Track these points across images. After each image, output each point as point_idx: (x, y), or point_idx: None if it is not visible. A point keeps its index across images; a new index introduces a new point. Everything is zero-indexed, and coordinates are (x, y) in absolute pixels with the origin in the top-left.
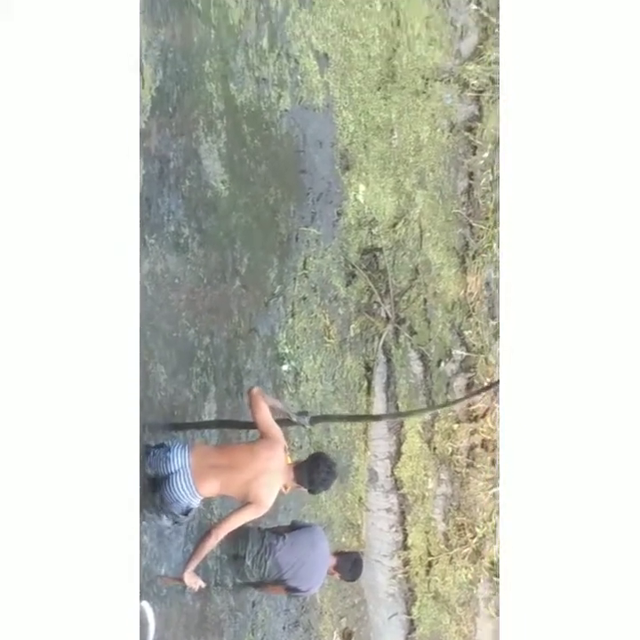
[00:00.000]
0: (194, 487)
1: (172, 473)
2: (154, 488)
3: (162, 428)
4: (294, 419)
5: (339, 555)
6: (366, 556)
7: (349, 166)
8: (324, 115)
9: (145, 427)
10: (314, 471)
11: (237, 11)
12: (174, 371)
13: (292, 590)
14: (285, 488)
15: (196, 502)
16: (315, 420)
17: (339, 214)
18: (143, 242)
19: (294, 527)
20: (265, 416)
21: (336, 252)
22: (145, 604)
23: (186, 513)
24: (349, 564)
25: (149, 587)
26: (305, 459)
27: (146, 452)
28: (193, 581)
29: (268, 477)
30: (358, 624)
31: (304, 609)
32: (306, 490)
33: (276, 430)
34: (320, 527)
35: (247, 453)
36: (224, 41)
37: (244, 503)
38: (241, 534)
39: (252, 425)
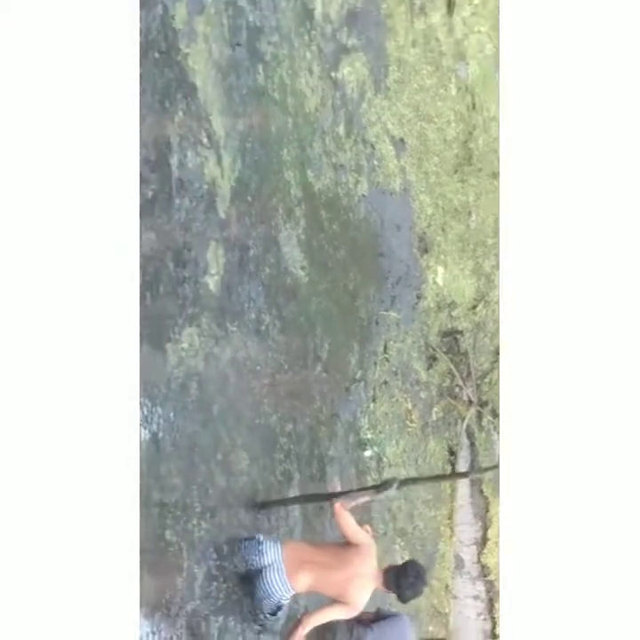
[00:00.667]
0: (287, 582)
1: (265, 566)
2: (244, 584)
3: (245, 510)
4: (383, 496)
5: None
6: None
7: (427, 249)
8: (402, 199)
9: (227, 512)
10: (402, 576)
11: (314, 99)
12: (257, 457)
13: None
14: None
15: (287, 597)
16: (401, 483)
17: (418, 297)
18: (225, 329)
19: (380, 616)
20: (351, 528)
21: (416, 335)
22: None
23: (275, 612)
24: None
25: None
26: (395, 565)
27: (237, 546)
28: None
29: (362, 581)
30: None
31: None
32: (395, 595)
33: (363, 537)
34: (407, 616)
35: (341, 554)
36: (301, 129)
37: (337, 601)
38: (328, 627)
39: (335, 495)
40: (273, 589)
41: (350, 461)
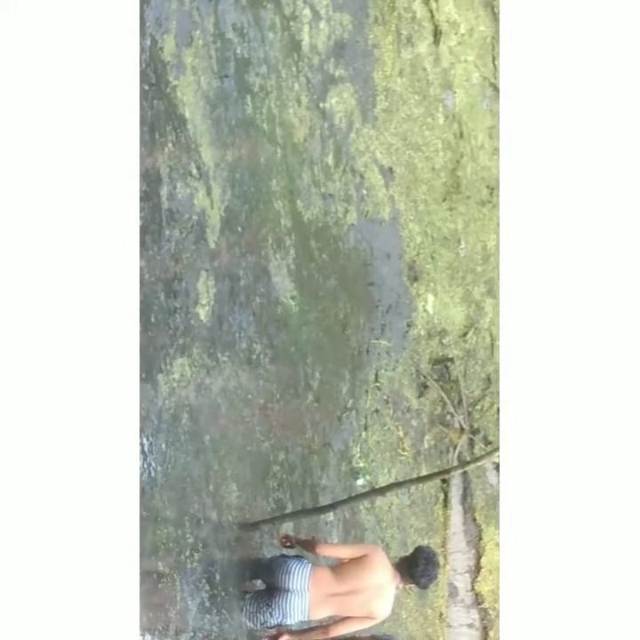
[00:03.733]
0: (308, 612)
1: (290, 590)
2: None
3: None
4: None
5: None
6: None
7: (417, 277)
8: (391, 227)
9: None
10: (412, 566)
11: (302, 129)
12: (249, 486)
13: None
14: (397, 588)
15: (299, 623)
16: (387, 488)
17: (408, 325)
18: (216, 359)
19: None
20: (344, 550)
21: (407, 364)
22: None
23: (274, 627)
24: None
25: None
26: (404, 555)
27: (265, 562)
28: None
29: (382, 591)
30: None
31: None
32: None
33: (362, 548)
34: (399, 637)
35: (358, 573)
36: (290, 159)
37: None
38: None
39: (327, 508)
40: (292, 614)
41: (343, 490)
